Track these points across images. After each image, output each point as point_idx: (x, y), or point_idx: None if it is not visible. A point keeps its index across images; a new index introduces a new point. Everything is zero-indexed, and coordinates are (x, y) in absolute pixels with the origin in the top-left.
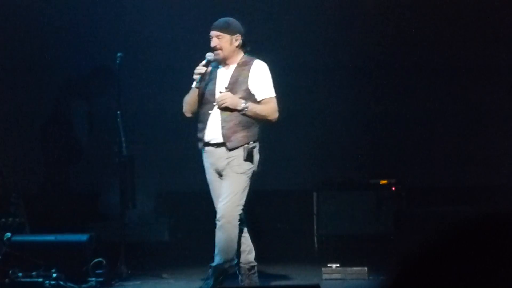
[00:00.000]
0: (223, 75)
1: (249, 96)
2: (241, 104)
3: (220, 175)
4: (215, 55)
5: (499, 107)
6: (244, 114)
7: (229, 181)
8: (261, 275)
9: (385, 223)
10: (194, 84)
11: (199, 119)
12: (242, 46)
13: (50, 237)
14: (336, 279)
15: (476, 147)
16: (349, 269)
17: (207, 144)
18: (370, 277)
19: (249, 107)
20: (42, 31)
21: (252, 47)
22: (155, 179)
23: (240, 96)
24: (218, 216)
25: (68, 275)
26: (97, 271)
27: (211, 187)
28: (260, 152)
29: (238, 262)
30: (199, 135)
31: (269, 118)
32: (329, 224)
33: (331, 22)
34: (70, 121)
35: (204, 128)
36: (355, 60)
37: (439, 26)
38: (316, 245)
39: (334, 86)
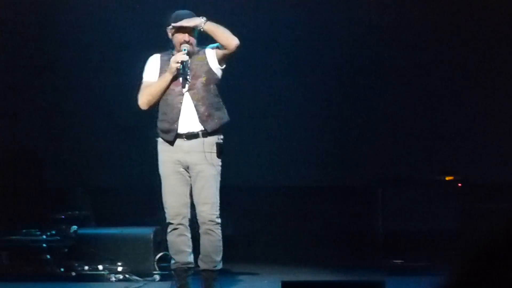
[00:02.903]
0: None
1: (212, 77)
2: (200, 19)
3: (186, 170)
4: (190, 47)
5: None
6: (204, 29)
7: (209, 184)
8: (326, 271)
9: (451, 220)
10: (151, 73)
11: (163, 111)
12: None
13: (116, 231)
14: (401, 275)
15: None
16: (413, 265)
17: (179, 136)
18: (435, 274)
19: (209, 21)
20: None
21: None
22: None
23: (206, 77)
24: (204, 220)
25: (133, 269)
26: (162, 265)
27: (166, 182)
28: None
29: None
30: (166, 126)
31: (232, 35)
32: (393, 220)
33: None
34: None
35: (174, 119)
36: (418, 55)
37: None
38: (380, 241)
39: (400, 80)
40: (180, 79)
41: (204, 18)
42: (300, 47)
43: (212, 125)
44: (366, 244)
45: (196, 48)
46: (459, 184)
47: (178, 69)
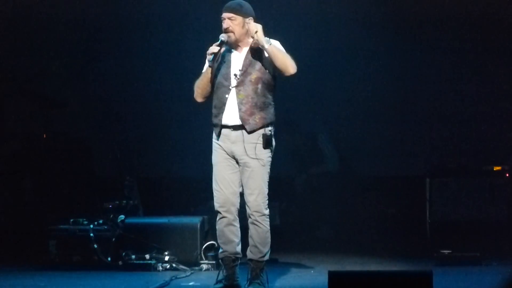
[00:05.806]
0: (237, 58)
1: (264, 75)
2: (266, 40)
3: (234, 159)
4: (227, 37)
5: None
6: (267, 52)
7: (255, 175)
8: (373, 261)
9: (499, 210)
10: (207, 64)
11: (214, 104)
12: None
13: (163, 220)
14: (449, 265)
15: None
16: (461, 255)
17: (224, 127)
18: (482, 264)
19: (273, 44)
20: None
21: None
22: None
23: (255, 76)
24: (250, 210)
25: (180, 258)
26: (209, 254)
27: (216, 168)
28: (275, 136)
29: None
30: (214, 120)
31: (291, 63)
32: (441, 210)
33: None
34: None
35: (220, 113)
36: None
37: None
38: (428, 231)
39: (447, 74)
40: (229, 74)
41: (271, 42)
42: (349, 45)
43: (252, 125)
44: (414, 234)
45: (242, 38)
46: (507, 174)
47: (213, 58)
